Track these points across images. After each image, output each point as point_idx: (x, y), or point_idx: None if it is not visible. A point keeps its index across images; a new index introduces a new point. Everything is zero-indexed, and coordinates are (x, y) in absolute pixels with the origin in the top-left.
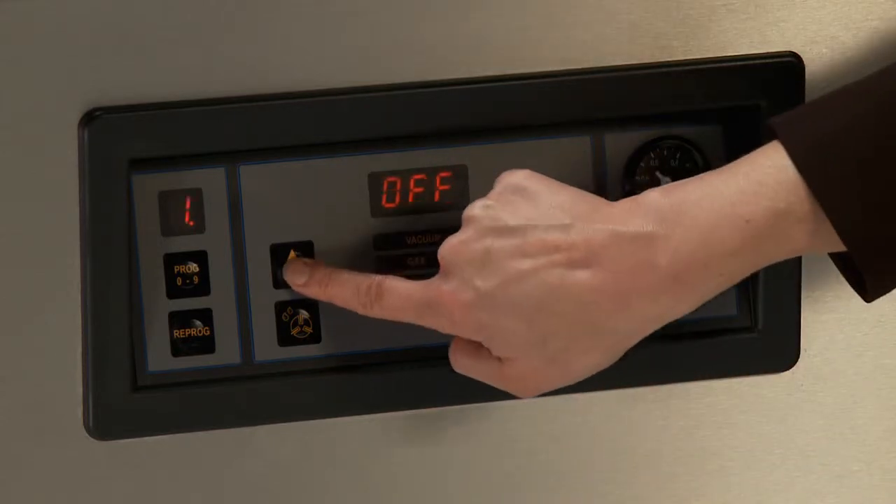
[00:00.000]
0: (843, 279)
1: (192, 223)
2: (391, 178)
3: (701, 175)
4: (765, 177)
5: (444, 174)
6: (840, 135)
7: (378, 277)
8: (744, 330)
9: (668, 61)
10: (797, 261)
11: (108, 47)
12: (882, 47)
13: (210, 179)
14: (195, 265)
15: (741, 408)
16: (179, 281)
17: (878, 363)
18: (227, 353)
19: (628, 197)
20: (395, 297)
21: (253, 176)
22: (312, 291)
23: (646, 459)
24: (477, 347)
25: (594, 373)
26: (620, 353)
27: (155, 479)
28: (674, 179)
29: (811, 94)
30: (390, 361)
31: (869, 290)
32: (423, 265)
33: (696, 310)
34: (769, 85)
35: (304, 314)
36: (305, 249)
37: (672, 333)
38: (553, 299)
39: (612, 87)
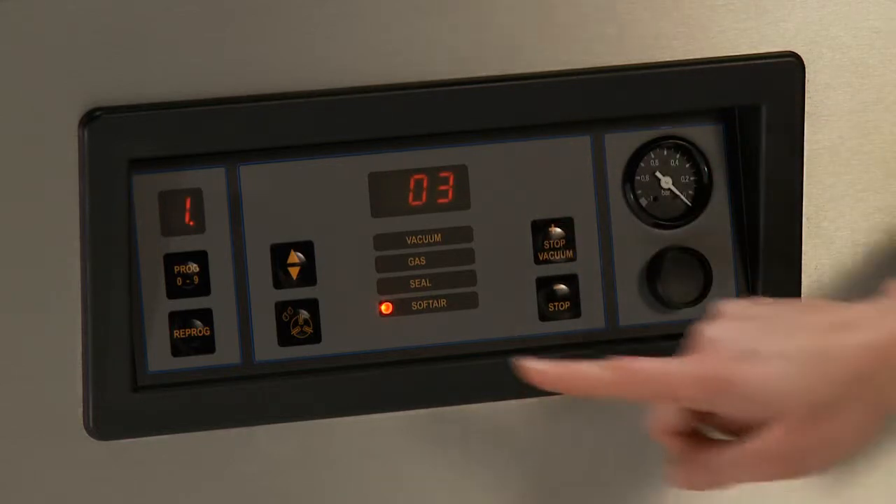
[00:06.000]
0: (842, 280)
1: (192, 223)
2: (391, 178)
3: None
4: None
5: (444, 174)
6: None
7: (616, 358)
8: None
9: (668, 61)
10: (797, 260)
11: (108, 47)
12: (882, 47)
13: (210, 179)
14: (195, 265)
15: None
16: (179, 281)
17: None
18: (227, 353)
19: None
20: (651, 371)
21: (253, 176)
22: (554, 384)
23: (646, 459)
24: (721, 441)
25: (860, 443)
26: (882, 421)
27: (155, 479)
28: (674, 180)
29: (811, 94)
30: (391, 361)
31: None
32: (424, 265)
33: (696, 310)
34: (769, 85)
35: (304, 314)
36: (305, 249)
37: (672, 333)
38: (821, 358)
39: (612, 87)
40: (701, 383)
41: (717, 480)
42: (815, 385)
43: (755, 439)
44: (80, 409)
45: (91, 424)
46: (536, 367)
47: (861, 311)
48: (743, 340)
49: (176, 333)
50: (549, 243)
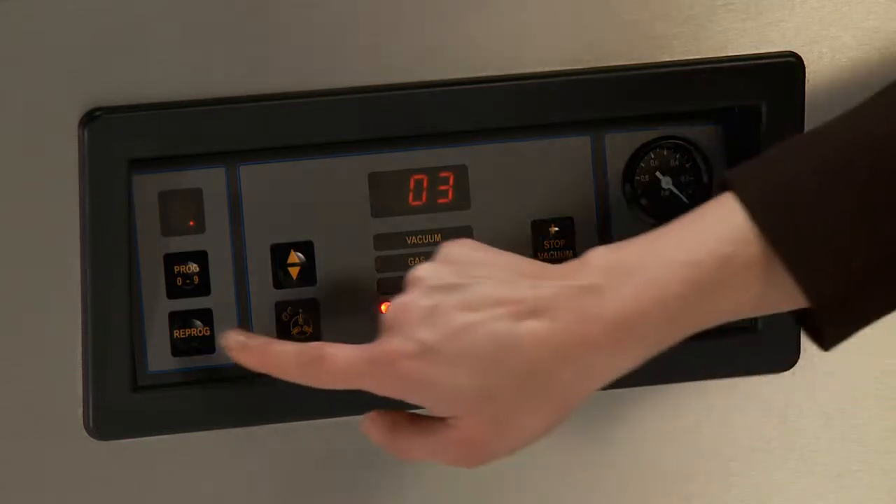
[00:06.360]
0: None
1: (192, 223)
2: (391, 178)
3: (649, 232)
4: (712, 224)
5: (444, 174)
6: (794, 182)
7: (316, 343)
8: (744, 330)
9: (668, 61)
10: None
11: (108, 47)
12: (882, 47)
13: (210, 179)
14: (195, 265)
15: (741, 408)
16: (179, 281)
17: (878, 363)
18: (227, 353)
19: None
20: (337, 360)
21: (253, 176)
22: (248, 360)
23: (646, 459)
24: (416, 421)
25: (542, 435)
26: (568, 412)
27: (155, 479)
28: (674, 180)
29: (811, 94)
30: None
31: (825, 337)
32: None
33: None
34: (769, 85)
35: (304, 314)
36: (305, 249)
37: None
38: (500, 351)
39: (612, 87)
40: (381, 380)
41: (402, 452)
42: (491, 386)
43: (437, 433)
44: (80, 409)
45: (91, 424)
46: (235, 340)
47: (553, 291)
48: (424, 327)
49: (176, 333)
50: (549, 243)
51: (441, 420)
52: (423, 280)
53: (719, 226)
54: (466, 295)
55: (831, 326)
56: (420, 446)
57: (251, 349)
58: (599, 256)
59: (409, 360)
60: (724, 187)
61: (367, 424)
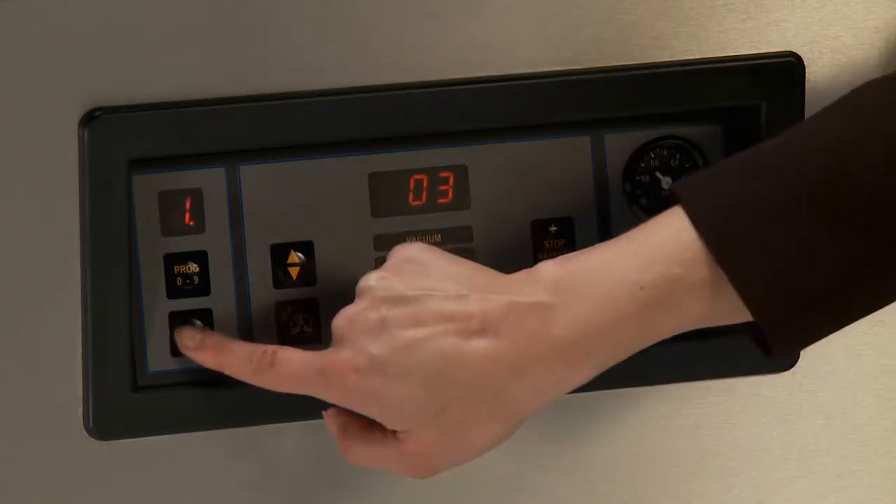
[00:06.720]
0: None
1: (192, 223)
2: (391, 178)
3: (599, 244)
4: (662, 242)
5: (444, 174)
6: (744, 200)
7: (272, 346)
8: (744, 330)
9: (668, 61)
10: None
11: (108, 47)
12: (882, 47)
13: (210, 179)
14: (195, 265)
15: (741, 408)
16: (179, 281)
17: (878, 363)
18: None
19: (524, 269)
20: (288, 366)
21: (253, 176)
22: (204, 358)
23: (646, 459)
24: (368, 429)
25: (492, 447)
26: (518, 425)
27: (155, 479)
28: (674, 180)
29: (811, 94)
30: None
31: (774, 353)
32: None
33: None
34: (769, 85)
35: (304, 314)
36: (305, 249)
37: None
38: (449, 367)
39: (612, 87)
40: (330, 391)
41: (351, 457)
42: (440, 401)
43: (387, 445)
44: (80, 409)
45: (91, 424)
46: (192, 337)
47: (502, 307)
48: (374, 342)
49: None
50: (549, 243)
51: (391, 432)
52: (372, 290)
53: (669, 243)
54: (415, 309)
55: (778, 343)
56: (369, 455)
57: (207, 347)
58: (549, 270)
59: (359, 374)
60: (674, 200)
61: (327, 420)
